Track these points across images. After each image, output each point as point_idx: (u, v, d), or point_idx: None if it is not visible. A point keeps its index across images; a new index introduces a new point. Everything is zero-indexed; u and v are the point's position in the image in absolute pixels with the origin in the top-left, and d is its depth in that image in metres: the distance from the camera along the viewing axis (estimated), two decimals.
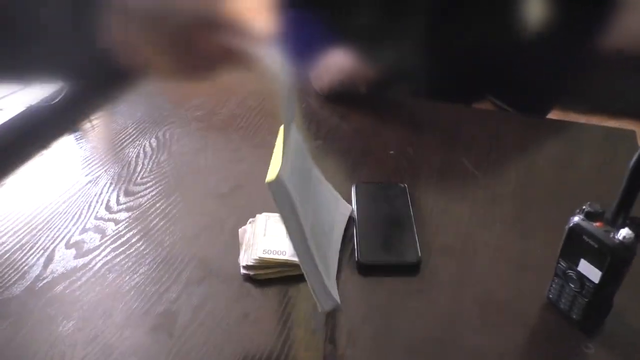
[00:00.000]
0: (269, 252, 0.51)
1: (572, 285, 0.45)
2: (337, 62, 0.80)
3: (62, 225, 0.58)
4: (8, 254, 0.54)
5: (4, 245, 0.55)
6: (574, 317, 0.46)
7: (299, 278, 0.51)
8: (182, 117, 0.78)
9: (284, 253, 0.51)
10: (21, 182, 0.65)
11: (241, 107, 0.81)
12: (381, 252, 0.53)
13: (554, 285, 0.48)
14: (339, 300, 0.45)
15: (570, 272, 0.45)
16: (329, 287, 0.44)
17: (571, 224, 0.44)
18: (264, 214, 0.56)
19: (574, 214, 0.44)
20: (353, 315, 0.47)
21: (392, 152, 0.70)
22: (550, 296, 0.48)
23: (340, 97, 0.81)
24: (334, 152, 0.70)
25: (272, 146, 0.72)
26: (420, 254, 0.52)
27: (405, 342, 0.45)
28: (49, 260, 0.54)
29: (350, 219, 0.57)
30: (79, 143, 0.73)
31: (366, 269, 0.52)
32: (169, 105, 0.81)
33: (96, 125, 0.77)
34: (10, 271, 0.52)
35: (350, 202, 0.60)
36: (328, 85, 0.81)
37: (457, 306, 0.49)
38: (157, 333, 0.46)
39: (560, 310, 0.47)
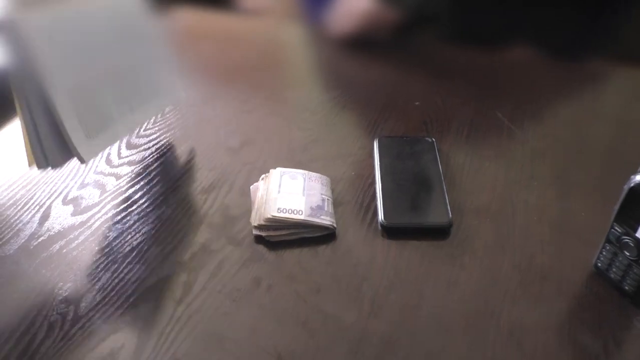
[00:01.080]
0: (283, 210, 0.46)
1: (628, 253, 0.40)
2: (356, 5, 0.73)
3: (58, 180, 0.53)
4: (1, 210, 0.51)
5: None
6: (627, 288, 0.41)
7: (317, 240, 0.46)
8: (187, 64, 0.72)
9: (300, 212, 0.46)
10: (15, 132, 0.61)
11: (247, 57, 0.74)
12: (407, 213, 0.48)
13: (604, 253, 0.42)
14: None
15: (627, 239, 0.40)
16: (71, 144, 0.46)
17: (632, 184, 0.38)
18: (279, 169, 0.51)
19: (635, 173, 0.38)
20: (376, 283, 0.43)
21: (417, 103, 0.64)
22: (599, 264, 0.43)
23: (360, 43, 0.74)
24: (353, 104, 0.64)
25: (282, 98, 0.66)
26: (451, 216, 0.47)
27: (435, 313, 0.41)
28: (45, 217, 0.49)
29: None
30: None
31: (391, 232, 0.47)
32: (173, 51, 0.75)
33: None
34: (4, 228, 0.48)
35: (372, 158, 0.55)
36: (347, 30, 0.74)
37: (493, 274, 0.43)
38: (161, 299, 0.42)
39: (611, 280, 0.42)
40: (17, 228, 0.48)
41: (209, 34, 0.80)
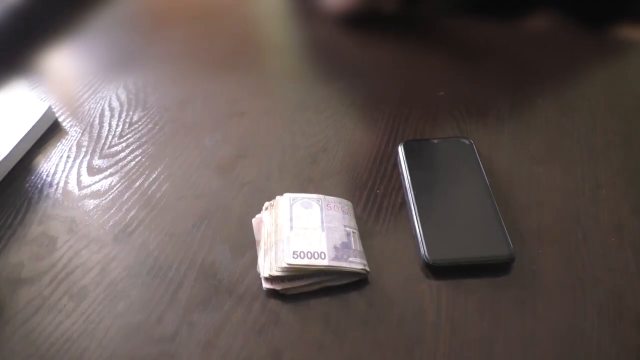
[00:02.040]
0: (301, 255, 0.36)
1: None
2: None
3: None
4: None
5: None
6: None
7: (346, 289, 0.36)
8: (157, 56, 0.60)
9: (322, 255, 0.36)
10: None
11: (228, 42, 0.62)
12: (457, 246, 0.37)
13: None
14: None
15: None
16: None
17: None
18: (287, 196, 0.40)
19: None
20: (431, 347, 0.33)
21: (442, 93, 0.53)
22: None
23: (361, 20, 0.62)
24: (364, 97, 0.53)
25: (277, 94, 0.55)
26: (512, 246, 0.38)
27: None
28: None
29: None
30: (21, 93, 0.54)
31: (438, 271, 0.37)
32: (138, 41, 0.62)
33: (44, 70, 0.58)
34: None
35: (399, 168, 0.44)
36: (345, 4, 0.62)
37: (576, 323, 0.34)
38: None
39: None
40: None
41: (179, 15, 0.67)
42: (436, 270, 0.37)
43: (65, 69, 0.58)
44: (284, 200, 0.39)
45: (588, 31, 0.61)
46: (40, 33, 0.64)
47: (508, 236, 0.38)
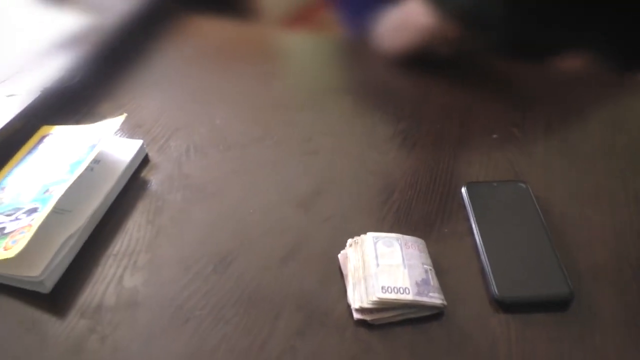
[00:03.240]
0: (388, 290, 0.40)
1: None
2: (411, 16, 0.66)
3: None
4: None
5: None
6: None
7: (426, 320, 0.41)
8: (230, 93, 0.65)
9: (407, 291, 0.40)
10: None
11: (296, 82, 0.67)
12: (523, 284, 0.42)
13: None
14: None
15: None
16: None
17: None
18: (370, 235, 0.45)
19: None
20: None
21: (495, 135, 0.58)
22: None
23: (416, 62, 0.67)
24: (424, 139, 0.57)
25: (345, 133, 0.59)
26: (571, 284, 0.42)
27: None
28: None
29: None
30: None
31: (506, 306, 0.42)
32: (208, 77, 0.67)
33: (127, 105, 0.63)
34: None
35: (464, 209, 0.49)
36: (401, 45, 0.67)
37: (630, 351, 0.39)
38: None
39: None
40: None
41: (237, 55, 0.73)
42: (504, 305, 0.42)
43: (148, 104, 0.63)
44: (369, 239, 0.44)
45: (620, 71, 0.66)
46: (117, 66, 0.70)
47: (567, 275, 0.43)
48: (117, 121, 0.52)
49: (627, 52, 0.71)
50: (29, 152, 0.54)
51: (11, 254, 0.41)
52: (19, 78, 0.61)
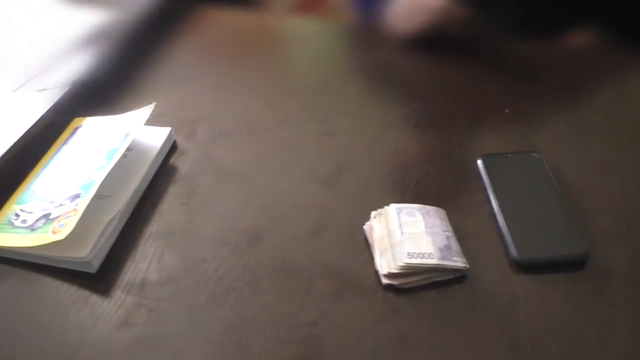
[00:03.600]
0: (414, 255, 0.43)
1: None
2: (429, 1, 0.68)
3: None
4: None
5: None
6: None
7: (449, 283, 0.44)
8: (249, 81, 0.67)
9: (431, 256, 0.43)
10: None
11: (309, 68, 0.69)
12: (540, 246, 0.45)
13: None
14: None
15: None
16: None
17: None
18: (393, 206, 0.48)
19: None
20: (529, 330, 0.40)
21: (507, 110, 0.60)
22: None
23: (426, 41, 0.70)
24: (438, 116, 0.60)
25: (361, 114, 0.62)
26: (586, 245, 0.45)
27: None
28: None
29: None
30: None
31: (525, 267, 0.44)
32: (228, 67, 0.70)
33: (152, 94, 0.66)
34: None
35: (479, 180, 0.52)
36: (414, 27, 0.69)
37: None
38: None
39: None
40: None
41: (254, 45, 0.75)
42: (523, 266, 0.44)
43: (171, 94, 0.66)
44: (392, 210, 0.47)
45: (627, 45, 0.68)
46: (139, 59, 0.72)
47: (582, 237, 0.45)
48: (147, 110, 0.55)
49: (632, 26, 0.73)
50: (64, 142, 0.57)
51: (61, 236, 0.44)
52: (49, 73, 0.64)
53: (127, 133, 0.53)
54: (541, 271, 0.44)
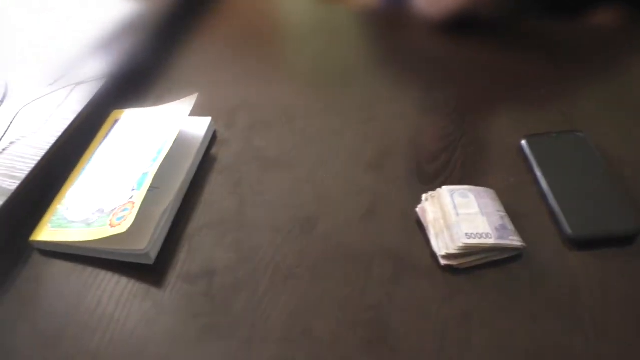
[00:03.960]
0: (472, 236, 0.44)
1: None
2: None
3: None
4: None
5: None
6: None
7: (506, 262, 0.44)
8: (280, 71, 0.67)
9: (489, 236, 0.44)
10: None
11: (341, 57, 0.69)
12: (592, 222, 0.45)
13: None
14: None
15: None
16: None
17: None
18: (446, 188, 0.48)
19: None
20: (591, 304, 0.41)
21: (543, 90, 0.61)
22: None
23: (456, 24, 0.70)
24: (474, 99, 0.60)
25: (399, 99, 0.61)
26: (637, 219, 0.46)
27: None
28: None
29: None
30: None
31: (579, 243, 0.45)
32: (254, 58, 0.70)
33: (187, 84, 0.66)
34: None
35: (526, 160, 0.52)
36: (443, 10, 0.68)
37: None
38: (373, 347, 0.40)
39: None
40: None
41: (279, 27, 0.75)
42: (578, 242, 0.45)
43: (206, 84, 0.66)
44: (445, 193, 0.47)
45: None
46: (171, 50, 0.72)
47: (633, 212, 0.46)
48: (190, 101, 0.55)
49: None
50: (105, 135, 0.57)
51: (122, 229, 0.44)
52: (84, 66, 0.64)
53: (172, 124, 0.53)
54: (595, 247, 0.45)
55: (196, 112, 0.60)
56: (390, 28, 0.73)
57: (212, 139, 0.58)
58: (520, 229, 0.46)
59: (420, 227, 0.48)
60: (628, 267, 0.43)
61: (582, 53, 0.65)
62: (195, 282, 0.46)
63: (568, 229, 0.45)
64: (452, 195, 0.47)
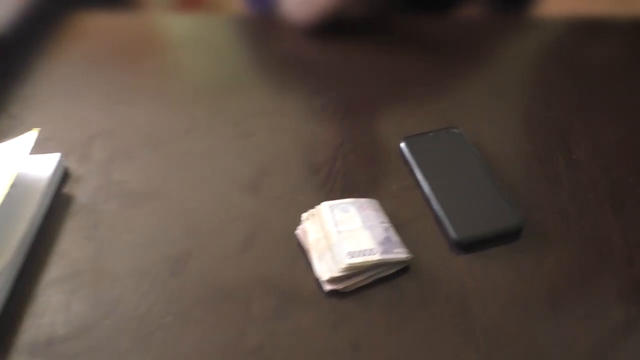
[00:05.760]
0: (355, 254, 0.40)
1: None
2: None
3: None
4: None
5: None
6: None
7: (394, 277, 0.41)
8: (139, 89, 0.61)
9: (373, 252, 0.41)
10: None
11: (211, 70, 0.64)
12: (476, 223, 0.44)
13: None
14: None
15: None
16: None
17: None
18: (325, 204, 0.44)
19: None
20: (481, 312, 0.39)
21: (420, 88, 0.59)
22: None
23: (327, 27, 0.67)
24: (354, 103, 0.57)
25: (275, 110, 0.58)
26: (519, 214, 0.45)
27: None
28: None
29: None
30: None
31: (465, 246, 0.43)
32: (118, 74, 0.63)
33: (33, 114, 0.57)
34: None
35: (406, 163, 0.50)
36: (312, 14, 0.65)
37: (584, 263, 0.42)
38: None
39: None
40: None
41: (137, 43, 0.68)
42: (464, 246, 0.43)
43: (53, 113, 0.57)
44: (325, 209, 0.44)
45: (508, 14, 0.71)
46: (10, 77, 0.63)
47: (514, 207, 0.45)
48: (29, 137, 0.47)
49: None
50: None
51: None
52: None
53: (6, 168, 0.45)
54: (482, 247, 0.43)
55: (42, 148, 0.52)
56: (260, 36, 0.69)
57: (64, 177, 0.50)
58: (406, 238, 0.43)
59: (302, 251, 0.44)
60: (514, 263, 0.42)
61: (455, 49, 0.65)
62: (41, 352, 0.38)
63: (453, 233, 0.43)
64: (332, 211, 0.44)
